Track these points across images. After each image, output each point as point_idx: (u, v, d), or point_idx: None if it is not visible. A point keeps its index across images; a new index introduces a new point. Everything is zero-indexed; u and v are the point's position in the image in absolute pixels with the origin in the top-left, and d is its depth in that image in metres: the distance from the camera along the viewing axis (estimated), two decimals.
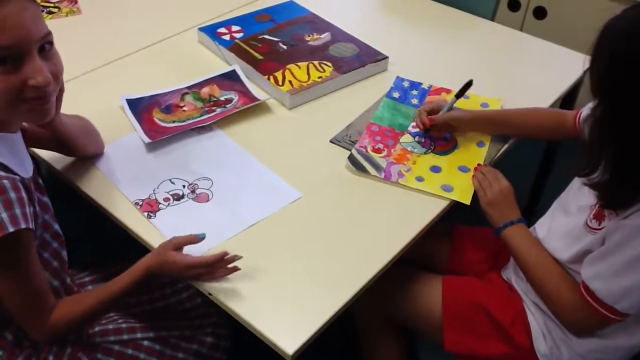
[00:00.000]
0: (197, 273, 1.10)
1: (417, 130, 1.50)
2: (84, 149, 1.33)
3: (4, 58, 0.93)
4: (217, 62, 1.74)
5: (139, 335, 1.25)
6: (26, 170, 1.06)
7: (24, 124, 1.14)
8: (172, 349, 1.27)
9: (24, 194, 0.99)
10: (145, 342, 1.26)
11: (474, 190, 1.33)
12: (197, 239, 1.13)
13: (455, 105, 1.49)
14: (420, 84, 1.65)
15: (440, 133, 1.46)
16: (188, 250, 1.13)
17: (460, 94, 1.44)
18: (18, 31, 0.92)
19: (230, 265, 1.11)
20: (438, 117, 1.42)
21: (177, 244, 1.11)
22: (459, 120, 1.43)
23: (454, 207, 1.32)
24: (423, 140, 1.47)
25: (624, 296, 1.08)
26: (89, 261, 1.40)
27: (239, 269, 1.12)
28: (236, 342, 1.38)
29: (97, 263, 1.39)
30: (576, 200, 1.22)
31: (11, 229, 0.95)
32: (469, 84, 1.45)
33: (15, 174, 1.01)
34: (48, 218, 1.13)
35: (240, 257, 1.12)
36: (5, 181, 0.96)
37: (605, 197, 1.09)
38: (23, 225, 0.96)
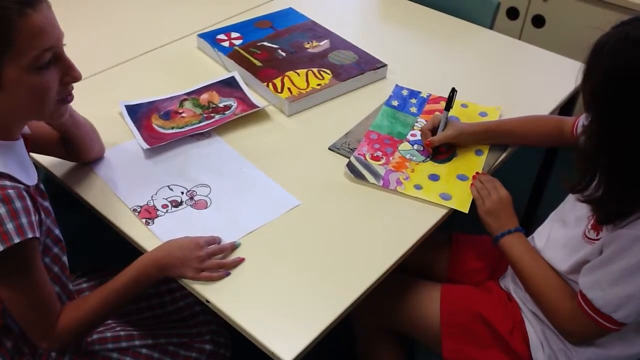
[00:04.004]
0: (204, 255, 1.14)
1: (415, 138, 1.50)
2: (89, 150, 1.33)
3: (49, 59, 0.96)
4: (216, 69, 1.74)
5: (137, 343, 1.25)
6: (30, 177, 1.05)
7: (27, 129, 1.13)
8: (170, 357, 1.27)
9: (29, 203, 0.98)
10: (144, 350, 1.25)
11: (473, 199, 1.33)
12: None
13: (454, 114, 1.49)
14: (419, 92, 1.65)
15: (445, 149, 1.45)
16: None
17: (449, 105, 1.44)
18: (55, 30, 0.96)
19: (222, 270, 1.14)
20: (434, 140, 1.42)
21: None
22: (456, 138, 1.44)
23: (453, 216, 1.32)
24: (422, 148, 1.47)
25: (621, 305, 1.08)
26: (86, 267, 1.39)
27: (230, 274, 1.15)
28: (235, 350, 1.38)
29: (95, 269, 1.39)
30: (574, 210, 1.22)
31: (17, 240, 0.94)
32: (453, 93, 1.45)
33: (21, 182, 1.00)
34: (49, 223, 1.13)
35: (239, 245, 1.20)
36: (10, 191, 0.95)
37: (600, 213, 1.09)
38: (30, 235, 0.96)
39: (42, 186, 1.13)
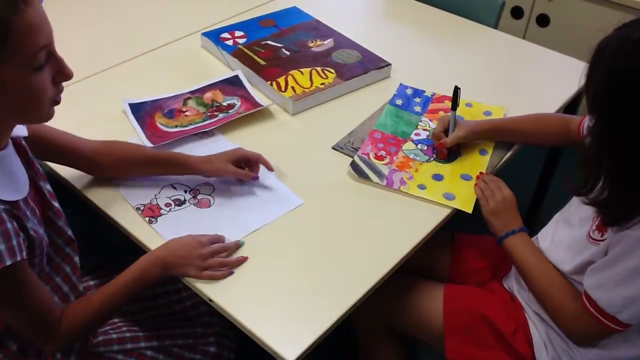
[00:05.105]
0: (207, 254, 1.14)
1: (419, 137, 1.50)
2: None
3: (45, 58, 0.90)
4: (220, 67, 1.74)
5: (142, 344, 1.25)
6: (19, 189, 0.99)
7: (24, 131, 1.09)
8: (175, 359, 1.27)
9: (9, 226, 0.92)
10: (149, 352, 1.25)
11: (476, 199, 1.33)
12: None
13: (458, 114, 1.49)
14: (424, 91, 1.65)
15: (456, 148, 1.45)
16: None
17: (455, 104, 1.44)
18: (48, 27, 0.90)
19: (225, 269, 1.14)
20: (447, 141, 1.42)
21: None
22: (466, 138, 1.43)
23: (456, 216, 1.32)
24: (425, 148, 1.47)
25: (625, 306, 1.08)
26: (91, 266, 1.39)
27: (233, 272, 1.15)
28: (239, 349, 1.37)
29: (99, 267, 1.39)
30: (578, 211, 1.22)
31: None
32: (456, 91, 1.45)
33: (3, 200, 0.94)
34: (61, 224, 1.13)
35: (243, 244, 1.20)
36: None
37: (605, 215, 1.09)
38: (8, 262, 0.91)
39: (49, 187, 1.11)
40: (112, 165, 1.29)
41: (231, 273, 1.14)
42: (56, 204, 1.12)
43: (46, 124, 1.03)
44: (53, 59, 0.93)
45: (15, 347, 1.13)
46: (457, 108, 1.44)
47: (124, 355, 1.23)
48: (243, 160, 1.33)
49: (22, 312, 1.01)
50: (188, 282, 1.14)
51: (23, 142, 1.08)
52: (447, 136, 1.43)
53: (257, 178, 1.34)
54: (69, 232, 1.15)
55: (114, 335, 1.24)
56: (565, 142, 1.45)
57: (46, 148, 1.18)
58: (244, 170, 1.33)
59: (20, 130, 1.07)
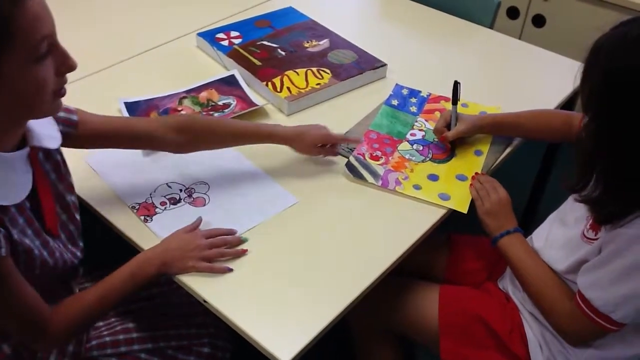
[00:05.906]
0: (204, 245, 1.15)
1: (415, 138, 1.50)
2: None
3: (46, 49, 0.89)
4: (216, 68, 1.74)
5: (136, 347, 1.24)
6: (11, 195, 0.96)
7: (50, 147, 1.06)
8: None
9: None
10: (143, 355, 1.24)
11: (472, 199, 1.33)
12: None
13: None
14: (419, 91, 1.65)
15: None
16: None
17: (455, 99, 1.44)
18: (50, 17, 0.89)
19: (224, 265, 1.15)
20: (449, 135, 1.42)
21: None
22: (469, 132, 1.44)
23: (452, 216, 1.32)
24: (421, 148, 1.47)
25: (619, 305, 1.08)
26: (87, 265, 1.39)
27: (232, 270, 1.14)
28: (237, 350, 1.37)
29: (93, 267, 1.38)
30: (573, 211, 1.22)
31: None
32: (456, 86, 1.45)
33: None
34: (77, 236, 1.14)
35: (246, 240, 1.20)
36: None
37: (598, 213, 1.09)
38: None
39: (74, 199, 1.12)
40: (192, 142, 1.30)
41: (230, 270, 1.14)
42: (78, 216, 1.13)
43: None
44: (55, 50, 0.91)
45: (9, 350, 1.12)
46: (457, 103, 1.44)
47: (118, 359, 1.22)
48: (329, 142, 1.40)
49: (6, 308, 0.99)
50: (183, 283, 1.14)
51: (57, 157, 1.08)
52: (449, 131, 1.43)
53: (337, 153, 1.42)
54: (80, 243, 1.15)
55: (107, 339, 1.23)
56: (566, 138, 1.44)
57: (122, 138, 1.22)
58: (325, 148, 1.40)
59: (50, 142, 1.04)
